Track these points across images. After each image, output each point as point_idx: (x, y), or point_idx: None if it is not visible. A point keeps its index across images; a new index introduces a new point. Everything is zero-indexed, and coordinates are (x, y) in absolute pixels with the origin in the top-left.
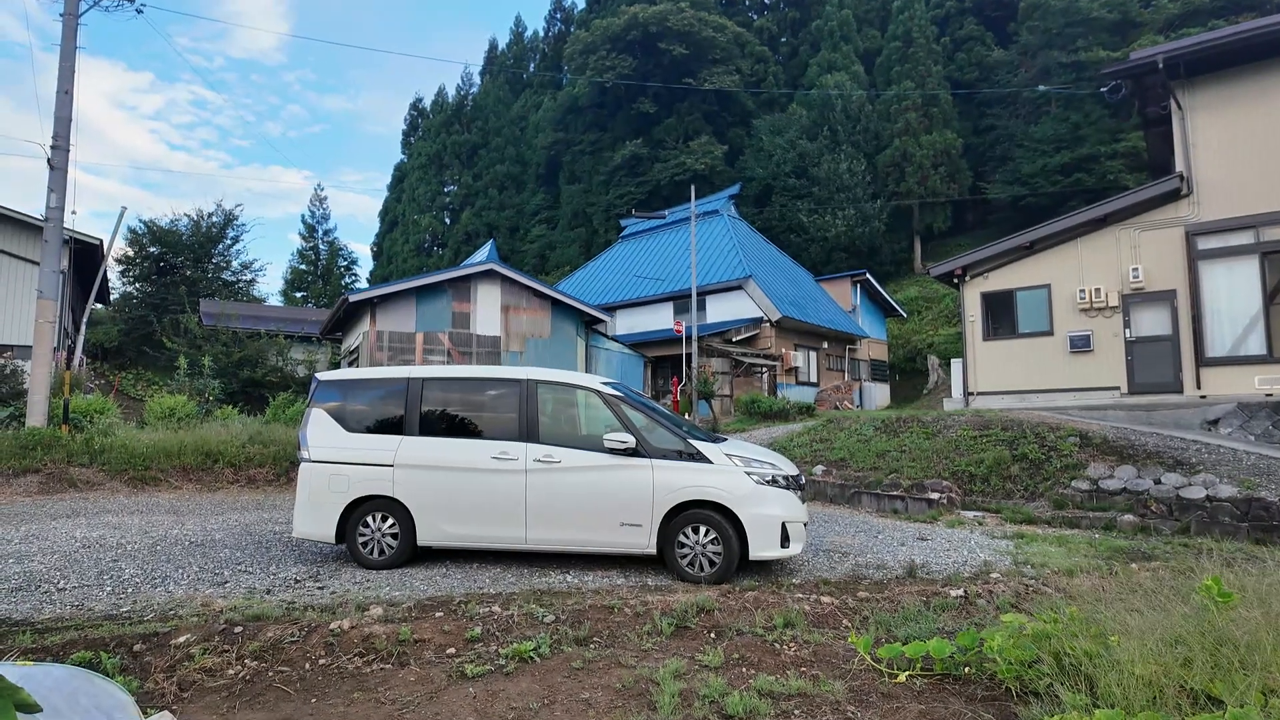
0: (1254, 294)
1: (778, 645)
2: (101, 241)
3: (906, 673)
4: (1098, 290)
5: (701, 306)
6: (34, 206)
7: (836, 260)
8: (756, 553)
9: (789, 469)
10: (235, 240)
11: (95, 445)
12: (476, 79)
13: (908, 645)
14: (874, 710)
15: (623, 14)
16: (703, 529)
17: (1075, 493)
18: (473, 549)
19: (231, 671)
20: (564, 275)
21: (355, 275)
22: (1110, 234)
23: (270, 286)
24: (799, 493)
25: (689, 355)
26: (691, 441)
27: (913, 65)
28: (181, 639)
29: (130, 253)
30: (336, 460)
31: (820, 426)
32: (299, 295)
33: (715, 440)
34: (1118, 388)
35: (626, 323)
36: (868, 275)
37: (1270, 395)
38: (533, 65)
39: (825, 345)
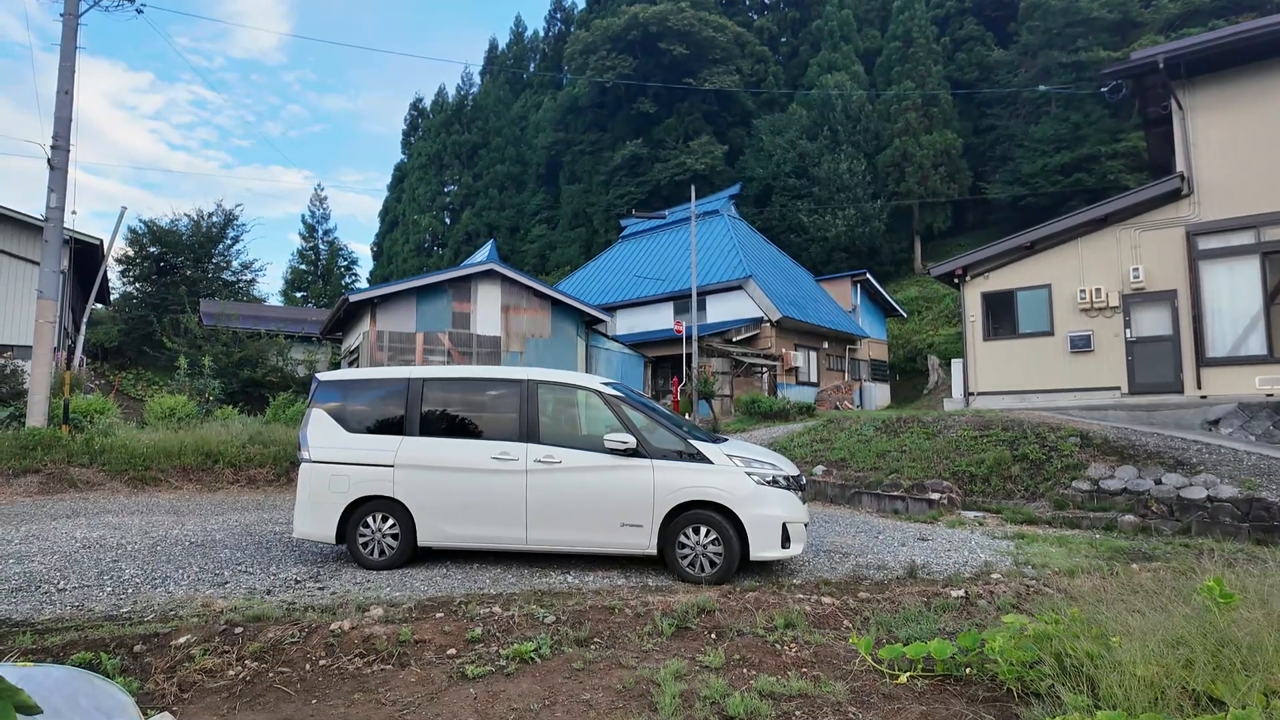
0: (1254, 294)
1: (779, 646)
2: (101, 241)
3: (908, 674)
4: (1098, 290)
5: (702, 306)
6: (34, 206)
7: (836, 260)
8: (757, 553)
9: (790, 469)
10: (235, 240)
11: (95, 445)
12: (476, 79)
13: (909, 646)
14: (875, 711)
15: (623, 14)
16: (703, 529)
17: (1076, 493)
18: (473, 549)
19: (232, 672)
20: (564, 275)
21: (355, 275)
22: (1111, 234)
23: (270, 286)
24: (800, 493)
25: (689, 355)
26: (692, 442)
27: (913, 65)
28: (182, 640)
29: (130, 253)
30: (337, 460)
31: (820, 427)
32: (299, 295)
33: (716, 440)
34: (1118, 388)
35: (626, 323)
36: (868, 275)
37: (1271, 395)
38: (533, 65)
39: (825, 345)
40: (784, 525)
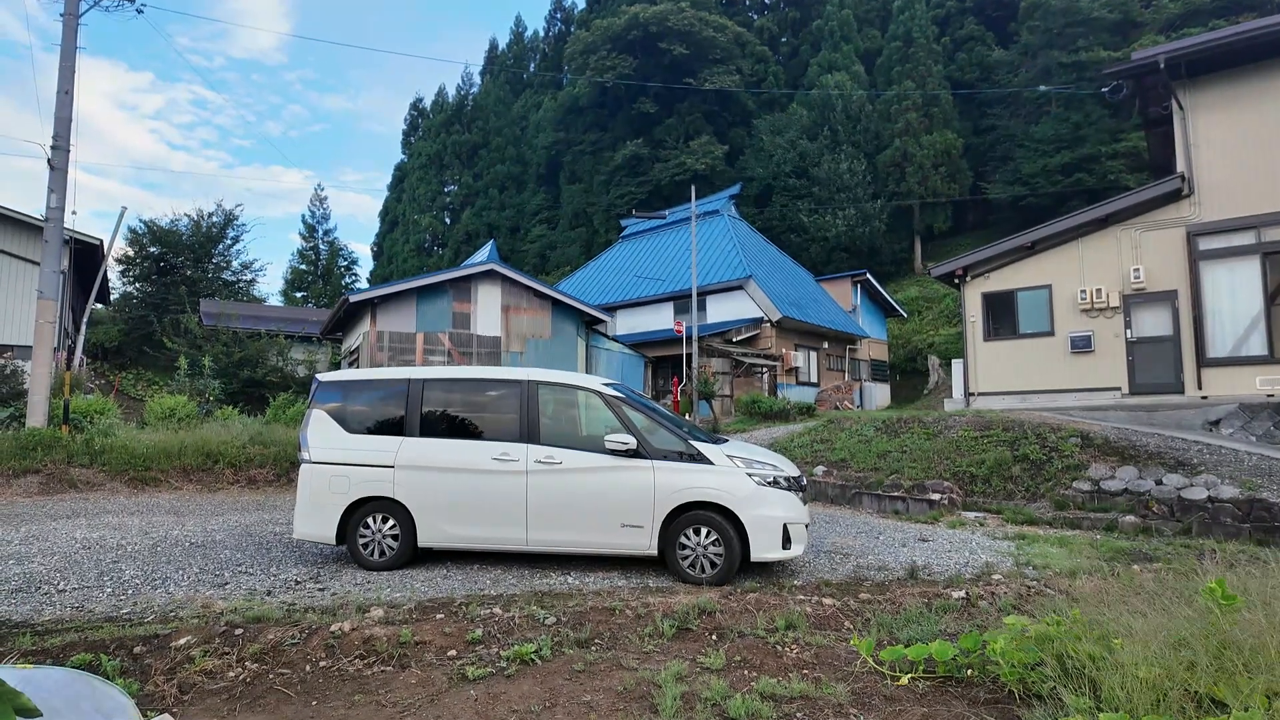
0: (1255, 294)
1: (780, 647)
2: (102, 241)
3: (909, 675)
4: (1099, 290)
5: (702, 306)
6: (34, 206)
7: (837, 260)
8: (758, 554)
9: (790, 470)
10: (235, 240)
11: (95, 446)
12: (477, 79)
13: (910, 648)
14: (876, 713)
15: (623, 14)
16: (704, 530)
17: (1077, 494)
18: (473, 550)
19: (232, 674)
20: (564, 275)
21: (355, 275)
22: (1111, 234)
23: (270, 286)
24: (800, 494)
25: (689, 355)
26: (692, 442)
27: (913, 65)
28: (182, 641)
29: (130, 253)
30: (337, 461)
31: (821, 427)
32: (299, 295)
33: (716, 441)
34: (1119, 388)
35: (627, 323)
36: (868, 275)
37: (1271, 396)
38: (533, 65)
39: (826, 345)
40: (785, 526)
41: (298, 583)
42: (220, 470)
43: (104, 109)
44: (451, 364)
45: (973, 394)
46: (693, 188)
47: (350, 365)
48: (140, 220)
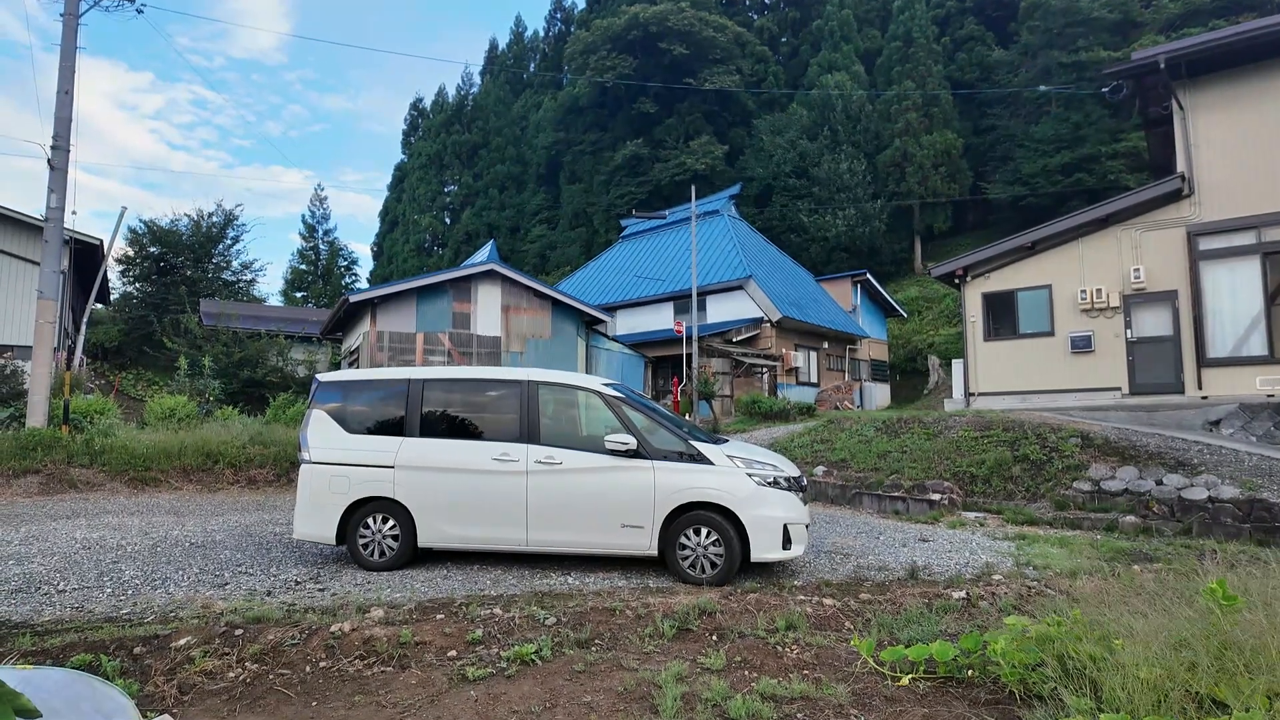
0: (1255, 294)
1: (780, 648)
2: (101, 241)
3: (909, 676)
4: (1099, 290)
5: (702, 307)
6: (34, 206)
7: (837, 260)
8: (758, 554)
9: (790, 470)
10: (235, 240)
11: (95, 446)
12: (477, 79)
13: (910, 648)
14: (877, 714)
15: (623, 14)
16: (704, 530)
17: (1077, 494)
18: (473, 550)
19: (232, 674)
20: (564, 275)
21: (355, 275)
22: (1111, 234)
23: (270, 286)
24: (801, 494)
25: (689, 355)
26: (693, 443)
27: (913, 65)
28: (182, 641)
29: (130, 253)
30: (337, 462)
31: (821, 427)
32: (299, 295)
33: (716, 441)
34: (1119, 388)
35: (627, 323)
36: (868, 275)
37: (1272, 396)
38: (533, 65)
39: (826, 345)
40: (785, 526)
41: (298, 583)
42: (220, 470)
43: (104, 109)
44: (451, 364)
45: (973, 394)
46: (693, 188)
47: (350, 365)
48: (140, 220)
